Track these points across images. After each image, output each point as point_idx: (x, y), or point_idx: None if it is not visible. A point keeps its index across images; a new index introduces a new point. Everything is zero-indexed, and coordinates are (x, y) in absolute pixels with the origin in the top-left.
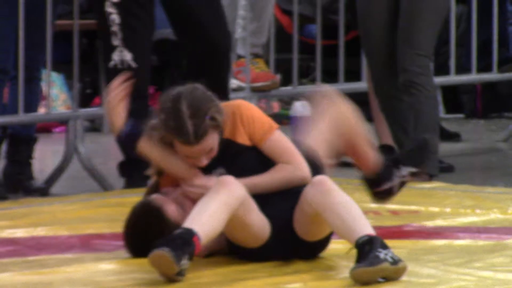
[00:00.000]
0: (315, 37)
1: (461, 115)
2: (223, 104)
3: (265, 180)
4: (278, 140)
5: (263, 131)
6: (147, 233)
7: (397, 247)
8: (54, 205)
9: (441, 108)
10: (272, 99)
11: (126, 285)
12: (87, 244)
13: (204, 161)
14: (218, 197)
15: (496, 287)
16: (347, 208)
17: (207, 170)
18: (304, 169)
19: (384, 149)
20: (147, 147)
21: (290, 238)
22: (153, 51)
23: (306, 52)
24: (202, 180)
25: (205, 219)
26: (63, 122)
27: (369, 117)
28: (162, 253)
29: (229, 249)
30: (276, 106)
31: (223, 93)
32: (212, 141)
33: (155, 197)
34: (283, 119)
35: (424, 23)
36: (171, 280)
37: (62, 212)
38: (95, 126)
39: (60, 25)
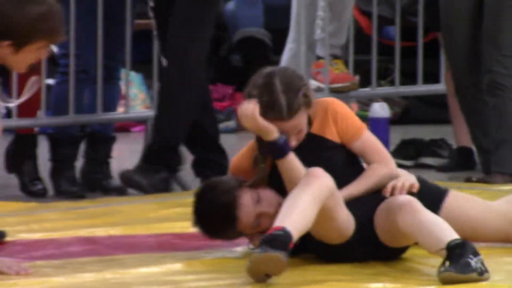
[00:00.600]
0: (393, 39)
1: None
2: (318, 101)
3: (361, 187)
4: (369, 139)
5: (355, 129)
6: (212, 219)
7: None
8: (131, 205)
9: None
10: (350, 101)
11: (204, 286)
12: (164, 244)
13: (293, 142)
14: (309, 190)
15: None
16: (434, 222)
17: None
18: (394, 166)
19: (463, 151)
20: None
21: (372, 239)
22: (236, 49)
23: (384, 54)
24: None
25: (296, 216)
26: (141, 121)
27: (447, 119)
28: (276, 256)
29: (309, 247)
30: (354, 107)
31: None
32: (303, 119)
33: (242, 203)
34: (362, 121)
35: (508, 22)
36: (257, 280)
37: (140, 212)
38: None
39: (139, 24)
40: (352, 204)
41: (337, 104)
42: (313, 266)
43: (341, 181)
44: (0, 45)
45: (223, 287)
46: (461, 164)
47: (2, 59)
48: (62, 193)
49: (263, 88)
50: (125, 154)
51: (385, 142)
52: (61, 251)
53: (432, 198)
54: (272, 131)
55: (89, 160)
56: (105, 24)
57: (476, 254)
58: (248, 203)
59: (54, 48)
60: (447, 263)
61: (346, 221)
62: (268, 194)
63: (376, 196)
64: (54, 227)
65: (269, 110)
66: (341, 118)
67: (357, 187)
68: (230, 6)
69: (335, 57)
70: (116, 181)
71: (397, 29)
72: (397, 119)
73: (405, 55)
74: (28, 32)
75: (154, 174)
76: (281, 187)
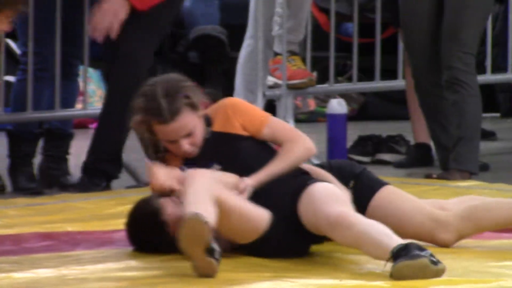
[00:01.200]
0: (351, 35)
1: (497, 114)
2: (215, 105)
3: (280, 165)
4: (276, 124)
5: (260, 119)
6: (145, 229)
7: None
8: (89, 201)
9: None
10: (308, 97)
11: (161, 282)
12: (121, 240)
13: (185, 146)
14: (198, 184)
15: None
16: (372, 233)
17: (203, 167)
18: (308, 142)
19: (420, 147)
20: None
21: (299, 229)
22: (192, 47)
23: (342, 50)
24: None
25: (203, 206)
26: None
27: (405, 115)
28: (196, 217)
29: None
30: (312, 104)
31: None
32: (189, 121)
33: (158, 199)
34: (319, 117)
35: (470, 19)
36: (203, 271)
37: (98, 208)
38: None
39: None
40: (269, 194)
41: (236, 100)
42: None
43: (259, 169)
44: None
45: (178, 282)
46: (419, 160)
47: None
48: (20, 190)
49: (146, 95)
50: (83, 151)
51: (343, 138)
52: (19, 247)
53: (366, 189)
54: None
55: (47, 156)
56: (64, 21)
57: (422, 249)
58: (171, 205)
59: (13, 45)
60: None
61: (253, 216)
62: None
63: (294, 182)
64: (12, 223)
65: (153, 116)
66: (242, 112)
67: (275, 165)
68: (187, 3)
69: (292, 53)
70: (74, 177)
71: (355, 26)
72: (355, 115)
73: (363, 51)
74: None
75: (94, 188)
76: None
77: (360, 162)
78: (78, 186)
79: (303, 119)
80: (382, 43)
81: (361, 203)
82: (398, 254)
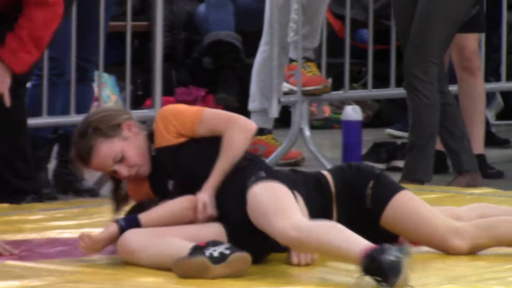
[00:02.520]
0: (366, 42)
1: (511, 122)
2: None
3: (226, 161)
4: (208, 117)
5: (191, 119)
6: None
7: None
8: (103, 206)
9: (492, 114)
10: (323, 103)
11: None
12: None
13: (123, 172)
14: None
15: None
16: (335, 242)
17: (159, 187)
18: (245, 122)
19: (435, 154)
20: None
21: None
22: (207, 53)
23: (357, 57)
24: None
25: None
26: None
27: None
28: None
29: None
30: (327, 110)
31: None
32: (108, 150)
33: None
34: (334, 123)
35: (433, 27)
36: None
37: (112, 213)
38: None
39: (112, 27)
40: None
41: (163, 110)
42: None
43: (209, 172)
44: None
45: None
46: (434, 167)
47: None
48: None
49: (73, 144)
50: None
51: (358, 145)
52: (33, 252)
53: (385, 190)
54: (112, 228)
55: (62, 161)
56: (79, 26)
57: (384, 252)
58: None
59: None
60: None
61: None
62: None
63: (237, 184)
64: (26, 229)
65: (78, 161)
66: (172, 121)
67: (222, 165)
68: (201, 9)
69: (308, 60)
70: (88, 182)
71: (370, 32)
72: (370, 122)
73: (378, 58)
74: None
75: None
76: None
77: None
78: (92, 191)
79: (318, 125)
80: (397, 50)
81: (379, 204)
82: (369, 269)
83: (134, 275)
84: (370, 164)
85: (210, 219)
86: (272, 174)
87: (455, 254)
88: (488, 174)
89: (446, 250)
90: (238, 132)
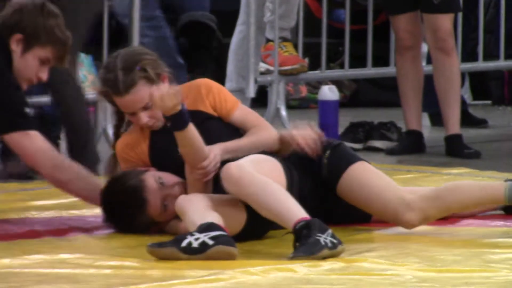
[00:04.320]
0: (343, 22)
1: (488, 102)
2: (188, 84)
3: (246, 142)
4: (246, 109)
5: (231, 103)
6: (121, 209)
7: (422, 232)
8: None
9: (468, 94)
10: (300, 83)
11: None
12: None
13: (144, 118)
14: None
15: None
16: (278, 203)
17: (160, 149)
18: (274, 132)
19: (412, 134)
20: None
21: None
22: (182, 33)
23: (334, 37)
24: (210, 156)
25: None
26: (90, 103)
27: (397, 102)
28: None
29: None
30: (303, 90)
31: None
32: (145, 94)
33: (148, 186)
34: (311, 103)
35: None
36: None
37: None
38: None
39: None
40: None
41: (210, 82)
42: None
43: None
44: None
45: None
46: (410, 147)
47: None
48: (12, 175)
49: (106, 67)
50: None
51: (334, 125)
52: (10, 232)
53: (341, 160)
54: (178, 103)
55: None
56: (57, 6)
57: (323, 230)
58: (154, 185)
59: None
60: (297, 244)
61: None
62: (169, 177)
63: None
64: (3, 209)
65: (109, 87)
66: (215, 93)
67: (243, 141)
68: None
69: (284, 39)
70: None
71: (347, 12)
72: (347, 102)
73: (355, 38)
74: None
75: None
76: (179, 169)
77: (351, 149)
78: None
79: (294, 105)
80: (374, 30)
81: (335, 173)
82: (300, 234)
83: (113, 257)
84: (347, 144)
85: (209, 174)
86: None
87: (407, 227)
88: (465, 154)
89: (398, 223)
90: (266, 133)
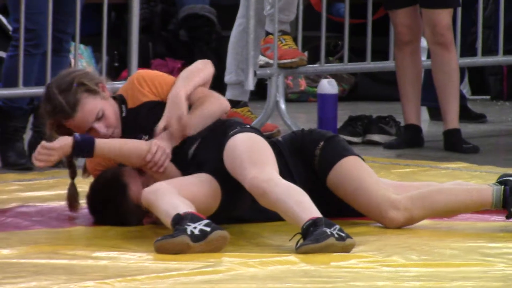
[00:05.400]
0: (343, 16)
1: (487, 97)
2: (125, 84)
3: (193, 118)
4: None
5: (168, 86)
6: (104, 201)
7: (420, 226)
8: (79, 177)
9: (467, 89)
10: (299, 76)
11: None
12: None
13: (102, 129)
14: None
15: None
16: (287, 202)
17: (138, 136)
18: (222, 98)
19: (410, 128)
20: (101, 145)
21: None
22: (182, 26)
23: (334, 31)
24: (152, 148)
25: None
26: None
27: (396, 96)
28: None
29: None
30: (303, 83)
31: None
32: (92, 106)
33: (127, 172)
34: (310, 97)
35: None
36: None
37: (87, 184)
38: None
39: None
40: (201, 156)
41: (141, 72)
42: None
43: None
44: None
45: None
46: (409, 141)
47: None
48: (10, 165)
49: (45, 100)
50: None
51: (333, 119)
52: (8, 222)
53: (334, 152)
54: (65, 142)
55: (38, 132)
56: None
57: (331, 225)
58: (132, 171)
59: (4, 21)
60: (302, 240)
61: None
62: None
63: (218, 137)
64: (1, 199)
65: (56, 115)
66: (148, 82)
67: (194, 112)
68: None
69: (284, 33)
70: None
71: (346, 6)
72: (345, 96)
73: (354, 32)
74: None
75: None
76: None
77: (350, 143)
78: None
79: (293, 98)
80: (373, 24)
81: (325, 165)
82: (307, 231)
83: (110, 248)
84: (345, 138)
85: (161, 165)
86: (251, 128)
87: (391, 226)
88: (463, 149)
89: (382, 221)
90: (211, 101)
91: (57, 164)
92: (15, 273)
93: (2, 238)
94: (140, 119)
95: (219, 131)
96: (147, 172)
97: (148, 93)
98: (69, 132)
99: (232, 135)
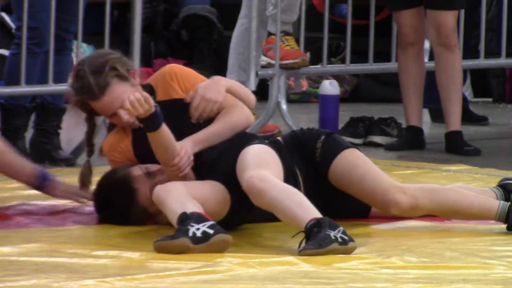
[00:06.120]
0: (345, 17)
1: (489, 99)
2: (155, 74)
3: (217, 126)
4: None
5: (200, 83)
6: (112, 203)
7: (420, 228)
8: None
9: (469, 91)
10: (301, 77)
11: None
12: None
13: (125, 116)
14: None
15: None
16: (284, 202)
17: (143, 142)
18: (247, 110)
19: (412, 130)
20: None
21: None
22: (182, 26)
23: (336, 32)
24: (181, 152)
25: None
26: None
27: (398, 98)
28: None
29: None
30: (304, 84)
31: None
32: (120, 92)
33: (136, 176)
34: (312, 97)
35: None
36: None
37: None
38: None
39: None
40: (218, 163)
41: (173, 67)
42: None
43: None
44: None
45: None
46: (410, 143)
47: None
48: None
49: (76, 76)
50: (75, 126)
51: (334, 120)
52: (8, 221)
53: (336, 145)
54: (150, 107)
55: (39, 130)
56: None
57: (335, 227)
58: (141, 174)
59: (7, 19)
60: (305, 240)
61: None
62: (155, 166)
63: (235, 147)
64: (1, 197)
65: (84, 94)
66: (180, 78)
67: (213, 127)
68: None
69: (286, 33)
70: (65, 152)
71: (349, 7)
72: (347, 97)
73: (357, 33)
74: None
75: None
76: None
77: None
78: (69, 160)
79: (295, 99)
80: (376, 26)
81: (328, 156)
82: (310, 231)
83: (110, 247)
84: (346, 139)
85: (183, 170)
86: (270, 142)
87: (395, 211)
88: (465, 151)
89: (387, 204)
90: (237, 113)
91: (57, 163)
92: (16, 271)
93: (3, 236)
94: (167, 115)
95: (238, 144)
96: (165, 171)
97: (178, 89)
98: (93, 112)
99: (247, 146)
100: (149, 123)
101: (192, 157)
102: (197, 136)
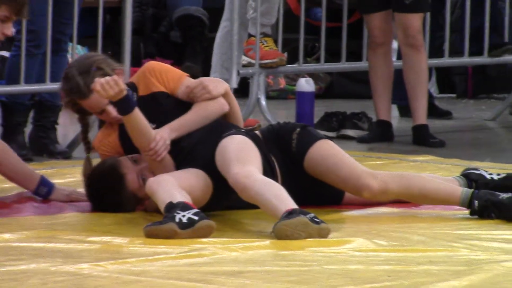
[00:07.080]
0: (320, 20)
1: (453, 95)
2: (137, 72)
3: (192, 115)
4: (191, 82)
5: (176, 79)
6: (103, 190)
7: (389, 214)
8: (75, 168)
9: (435, 88)
10: (279, 75)
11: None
12: None
13: (114, 112)
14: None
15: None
16: (266, 196)
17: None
18: (221, 99)
19: (382, 124)
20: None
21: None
22: (175, 27)
23: (311, 33)
24: (156, 137)
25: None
26: None
27: (368, 94)
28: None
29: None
30: (282, 82)
31: None
32: None
33: (124, 163)
34: (289, 94)
35: None
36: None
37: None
38: None
39: (86, 2)
40: (196, 152)
41: (152, 63)
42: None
43: None
44: None
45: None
46: (380, 136)
47: None
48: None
49: (64, 79)
50: (70, 122)
51: (310, 114)
52: (8, 209)
53: (310, 136)
54: (123, 89)
55: (38, 126)
56: (56, 2)
57: (305, 213)
58: (128, 162)
59: None
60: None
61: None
62: (139, 155)
63: (213, 138)
64: (1, 188)
65: (73, 94)
66: (158, 72)
67: (186, 116)
68: None
69: (265, 35)
70: (61, 146)
71: (323, 11)
72: (322, 94)
73: (331, 34)
74: None
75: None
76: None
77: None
78: (65, 153)
79: (274, 96)
80: (348, 28)
81: (303, 146)
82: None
83: (103, 234)
84: (322, 132)
85: (159, 154)
86: (246, 131)
87: (367, 194)
88: (430, 143)
89: (359, 189)
90: (212, 102)
91: (55, 156)
92: (16, 256)
93: (4, 224)
94: (149, 108)
95: (216, 132)
96: (144, 158)
97: (157, 82)
98: (84, 111)
99: (226, 136)
100: (122, 106)
101: (168, 142)
102: (173, 124)
